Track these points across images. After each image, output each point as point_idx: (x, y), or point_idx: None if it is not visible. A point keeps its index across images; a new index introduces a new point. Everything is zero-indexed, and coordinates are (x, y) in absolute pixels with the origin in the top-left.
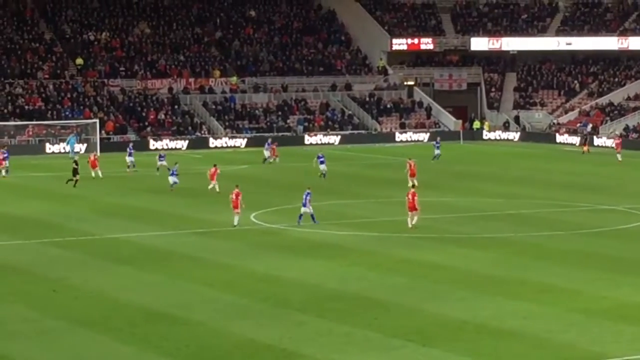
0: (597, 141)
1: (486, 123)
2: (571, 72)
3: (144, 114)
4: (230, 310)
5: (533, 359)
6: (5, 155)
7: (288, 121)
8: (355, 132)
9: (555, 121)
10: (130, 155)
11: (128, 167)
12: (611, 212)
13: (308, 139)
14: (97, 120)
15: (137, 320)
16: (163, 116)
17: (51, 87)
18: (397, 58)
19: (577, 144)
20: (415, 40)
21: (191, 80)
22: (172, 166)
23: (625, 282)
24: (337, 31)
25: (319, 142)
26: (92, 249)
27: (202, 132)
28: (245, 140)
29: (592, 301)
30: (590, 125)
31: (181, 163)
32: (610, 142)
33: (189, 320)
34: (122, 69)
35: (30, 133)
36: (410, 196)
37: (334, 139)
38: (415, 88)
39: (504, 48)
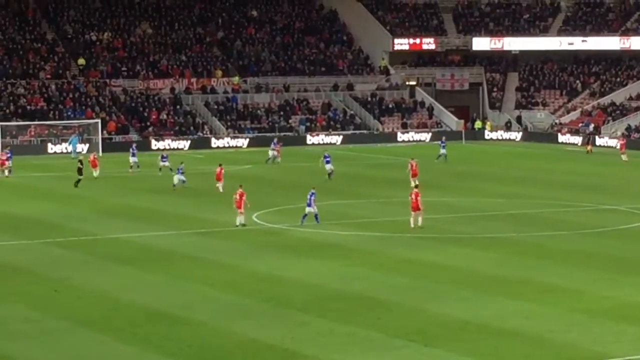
0: (599, 141)
1: (488, 123)
2: (573, 72)
3: (146, 114)
4: (232, 311)
5: (535, 359)
6: (9, 155)
7: (290, 121)
8: (357, 132)
9: (557, 121)
10: (133, 155)
11: (131, 167)
12: (613, 212)
13: (310, 139)
14: (99, 121)
15: (139, 320)
16: (165, 116)
17: (53, 87)
18: (399, 58)
19: (580, 144)
20: (417, 40)
21: (193, 80)
22: (175, 166)
23: (627, 282)
24: (339, 31)
25: (321, 142)
26: (94, 249)
27: (204, 132)
28: (247, 140)
29: (594, 301)
30: (592, 125)
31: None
32: (613, 142)
33: (190, 320)
34: (124, 69)
35: (33, 133)
36: (413, 196)
37: (336, 139)
38: (417, 88)
39: (506, 48)
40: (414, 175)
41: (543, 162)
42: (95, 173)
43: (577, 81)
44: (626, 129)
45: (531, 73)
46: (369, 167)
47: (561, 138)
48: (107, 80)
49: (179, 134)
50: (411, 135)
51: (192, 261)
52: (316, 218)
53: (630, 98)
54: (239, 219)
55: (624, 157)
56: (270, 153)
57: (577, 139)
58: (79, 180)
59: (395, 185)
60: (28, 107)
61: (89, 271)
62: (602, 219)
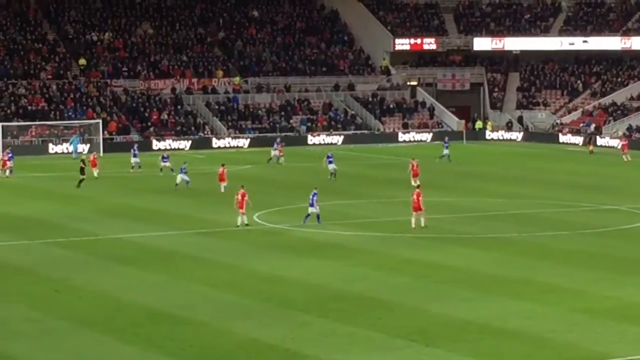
0: (600, 141)
1: (489, 123)
2: (574, 72)
3: (146, 114)
4: (233, 311)
5: (536, 359)
6: (10, 155)
7: (291, 121)
8: (358, 132)
9: (558, 121)
10: (135, 156)
11: (132, 167)
12: (614, 212)
13: (311, 139)
14: (100, 121)
15: (140, 321)
16: (166, 116)
17: (54, 87)
18: (400, 58)
19: (581, 144)
20: (418, 40)
21: (194, 80)
22: (178, 166)
23: (629, 282)
24: (340, 31)
25: (322, 142)
26: (95, 249)
27: (205, 132)
28: (248, 140)
29: (595, 301)
30: (593, 125)
31: (180, 164)
32: (614, 142)
33: (192, 320)
34: (125, 69)
35: (34, 133)
36: (415, 196)
37: (337, 139)
38: (418, 88)
39: (507, 48)
40: (415, 175)
41: (544, 162)
42: (95, 173)
43: (578, 81)
44: (627, 129)
45: (532, 73)
46: (370, 167)
47: (562, 138)
48: (108, 81)
49: (180, 134)
50: (412, 136)
51: (193, 261)
52: (318, 218)
53: (631, 98)
54: (240, 219)
55: (625, 158)
56: (273, 153)
57: (578, 139)
58: (81, 181)
59: (397, 186)
60: (29, 108)
61: (90, 271)
62: (603, 219)
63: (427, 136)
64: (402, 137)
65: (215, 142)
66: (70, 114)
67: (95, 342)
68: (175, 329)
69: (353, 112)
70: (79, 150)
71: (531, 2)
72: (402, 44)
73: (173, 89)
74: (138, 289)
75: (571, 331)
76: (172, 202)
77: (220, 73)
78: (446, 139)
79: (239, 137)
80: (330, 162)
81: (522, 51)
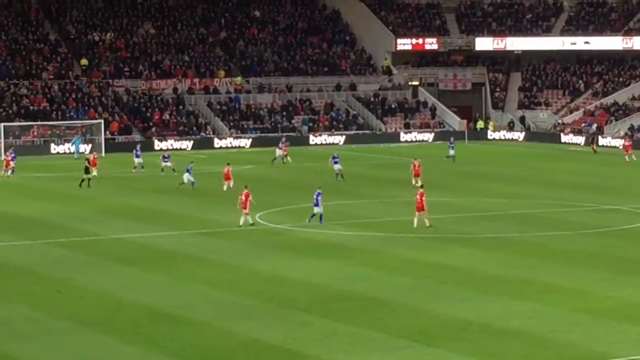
0: (601, 141)
1: (491, 123)
2: (576, 72)
3: (148, 115)
4: (235, 311)
5: (538, 359)
6: (13, 155)
7: (293, 121)
8: (360, 132)
9: (560, 121)
10: (137, 156)
11: (134, 167)
12: (616, 212)
13: (313, 139)
14: (102, 121)
15: (141, 321)
16: (168, 116)
17: (56, 87)
18: (401, 58)
19: (582, 144)
20: (420, 40)
21: (196, 80)
22: (182, 166)
23: (630, 282)
24: (342, 31)
25: (324, 142)
26: (97, 249)
27: (207, 132)
28: (250, 140)
29: (596, 301)
30: (595, 125)
31: (185, 164)
32: (616, 142)
33: (193, 320)
34: (126, 69)
35: (35, 133)
36: (418, 196)
37: (339, 139)
38: (420, 88)
39: (509, 48)
40: (416, 175)
41: (546, 162)
42: (94, 172)
43: (580, 81)
44: (629, 129)
45: (534, 73)
46: (372, 167)
47: (564, 138)
48: (110, 81)
49: (181, 135)
50: (414, 136)
51: (194, 261)
52: (320, 218)
53: (633, 98)
54: (243, 219)
55: (628, 158)
56: (278, 153)
57: (580, 139)
58: (83, 180)
59: (398, 186)
60: (31, 108)
61: (91, 271)
62: (605, 219)
63: (428, 136)
64: (403, 137)
65: (217, 142)
66: (72, 114)
67: (97, 342)
68: (176, 329)
69: (355, 112)
70: (80, 151)
71: (533, 2)
72: (404, 43)
73: (175, 89)
74: (139, 289)
75: (572, 331)
76: (173, 202)
77: (222, 73)
78: (452, 139)
79: (240, 137)
80: (335, 163)
81: (523, 51)
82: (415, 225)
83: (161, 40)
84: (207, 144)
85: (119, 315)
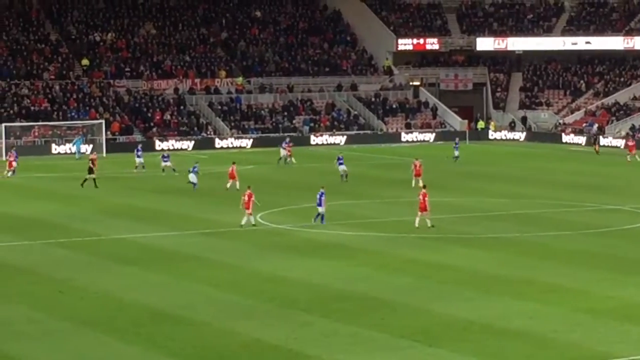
0: (602, 141)
1: (492, 123)
2: (577, 72)
3: (149, 115)
4: (236, 311)
5: (539, 359)
6: (15, 156)
7: (294, 121)
8: (361, 132)
9: (561, 121)
10: (139, 156)
11: (136, 167)
12: (617, 212)
13: (314, 139)
14: (103, 121)
15: (143, 321)
16: (169, 117)
17: (57, 87)
18: (402, 58)
19: (584, 144)
20: (421, 41)
21: (197, 80)
22: (186, 167)
23: (632, 282)
24: (343, 31)
25: (325, 142)
26: (98, 249)
27: (208, 132)
28: (251, 140)
29: (598, 301)
30: (596, 125)
31: (186, 163)
32: (617, 142)
33: (194, 320)
34: (127, 69)
35: (36, 134)
36: (421, 196)
37: (340, 139)
38: (421, 88)
39: (510, 48)
40: (417, 175)
41: (547, 162)
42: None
43: (581, 81)
44: (630, 129)
45: (535, 73)
46: (373, 168)
47: (565, 138)
48: (111, 81)
49: (182, 135)
50: (415, 136)
51: (195, 261)
52: (322, 219)
53: (634, 98)
54: (245, 220)
55: (629, 158)
56: (282, 153)
57: (581, 139)
58: (86, 180)
59: (399, 186)
60: (32, 108)
61: (92, 272)
62: (606, 219)
63: (430, 136)
64: (404, 137)
65: (218, 143)
66: (73, 114)
67: (98, 343)
68: (177, 329)
69: (356, 112)
70: (82, 151)
71: (534, 2)
72: (405, 44)
73: (176, 89)
74: (140, 289)
75: (574, 331)
76: (174, 203)
77: (223, 73)
78: (457, 139)
79: (241, 138)
80: (340, 164)
81: (524, 51)
82: (416, 225)
83: (162, 40)
84: (208, 144)
85: (120, 315)
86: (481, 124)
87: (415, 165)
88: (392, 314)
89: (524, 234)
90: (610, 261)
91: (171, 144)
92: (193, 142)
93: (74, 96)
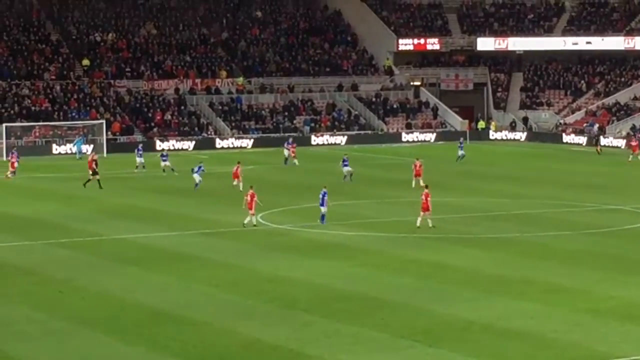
0: (603, 141)
1: (493, 123)
2: (578, 72)
3: (150, 115)
4: (237, 311)
5: (539, 359)
6: (16, 156)
7: (294, 122)
8: (362, 132)
9: (561, 121)
10: (140, 156)
11: (136, 167)
12: (618, 212)
13: (315, 140)
14: (104, 121)
15: (144, 321)
16: (169, 117)
17: (58, 88)
18: (403, 58)
19: (584, 144)
20: (422, 41)
21: (197, 80)
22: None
23: (632, 282)
24: (344, 31)
25: (326, 142)
26: (99, 249)
27: (209, 132)
28: (252, 140)
29: (598, 301)
30: (597, 125)
31: (187, 164)
32: (617, 142)
33: (195, 320)
34: (128, 69)
35: (37, 134)
36: (423, 197)
37: (341, 139)
38: (422, 88)
39: (510, 48)
40: (417, 175)
41: (547, 162)
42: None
43: (582, 81)
44: (631, 129)
45: (535, 73)
46: (374, 168)
47: (566, 138)
48: (112, 81)
49: (183, 135)
50: (416, 136)
51: (196, 261)
52: (323, 218)
53: (635, 98)
54: (248, 219)
55: (631, 157)
56: (286, 153)
57: (582, 139)
58: (89, 180)
59: (400, 186)
60: (32, 108)
61: (93, 272)
62: (607, 219)
63: (430, 136)
64: (405, 137)
65: (219, 143)
66: (73, 114)
67: (99, 343)
68: (178, 329)
69: (356, 113)
70: (83, 151)
71: (534, 2)
72: (406, 44)
73: (176, 90)
74: (141, 290)
75: (574, 331)
76: (175, 203)
77: (224, 73)
78: (461, 139)
79: (242, 138)
80: (345, 165)
81: (525, 51)
82: (418, 224)
83: (163, 40)
84: (208, 144)
85: (121, 315)
86: (482, 124)
87: (416, 165)
88: (392, 314)
89: (524, 234)
90: (611, 261)
91: (172, 144)
92: (194, 142)
93: (75, 96)
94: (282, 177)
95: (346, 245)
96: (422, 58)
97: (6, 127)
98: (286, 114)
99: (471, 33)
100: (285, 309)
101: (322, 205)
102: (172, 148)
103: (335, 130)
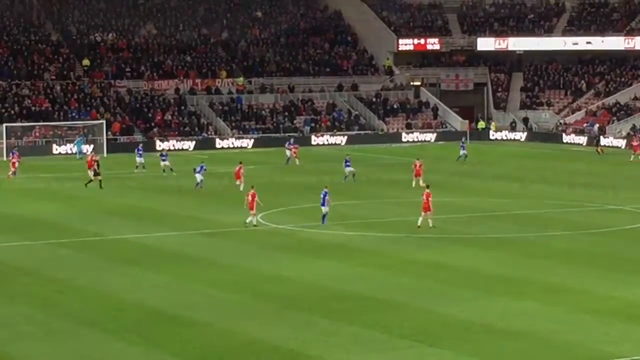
0: (603, 141)
1: (493, 123)
2: (578, 72)
3: (150, 115)
4: (237, 311)
5: (540, 359)
6: (17, 156)
7: (295, 122)
8: (362, 132)
9: (562, 121)
10: (140, 156)
11: (136, 167)
12: (618, 212)
13: (315, 140)
14: (104, 121)
15: (144, 321)
16: (170, 117)
17: (58, 88)
18: (403, 58)
19: (585, 144)
20: (422, 41)
21: (198, 81)
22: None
23: (633, 282)
24: (344, 32)
25: (326, 142)
26: (99, 249)
27: (209, 132)
28: (252, 140)
29: (599, 301)
30: (597, 125)
31: (187, 164)
32: (618, 142)
33: (196, 320)
34: (128, 69)
35: (37, 134)
36: (424, 197)
37: (341, 139)
38: (422, 88)
39: (511, 48)
40: (417, 175)
41: (548, 162)
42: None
43: (582, 81)
44: (631, 129)
45: (536, 73)
46: (374, 168)
47: (566, 138)
48: (112, 81)
49: (183, 135)
50: (416, 136)
51: (197, 262)
52: (323, 218)
53: (635, 98)
54: (250, 219)
55: (632, 157)
56: (288, 153)
57: (582, 139)
58: (91, 181)
59: (400, 186)
60: (33, 108)
61: (93, 272)
62: (608, 218)
63: (430, 136)
64: (405, 137)
65: (219, 143)
66: (74, 114)
67: (99, 343)
68: (179, 330)
69: (357, 113)
70: (83, 152)
71: (535, 2)
72: (406, 44)
73: (177, 90)
74: (141, 290)
75: (575, 331)
76: (175, 203)
77: (224, 73)
78: (463, 139)
79: (242, 138)
80: (347, 166)
81: (525, 51)
82: (419, 224)
83: (163, 40)
84: (209, 144)
85: (121, 315)
86: (482, 124)
87: (416, 165)
88: (392, 314)
89: (525, 234)
90: (611, 261)
91: (172, 144)
92: (194, 142)
93: (75, 96)
94: (283, 177)
95: (346, 245)
96: (422, 58)
97: (6, 127)
98: (286, 114)
99: (471, 33)
100: (285, 309)
101: (323, 205)
102: (172, 148)
103: (335, 130)
